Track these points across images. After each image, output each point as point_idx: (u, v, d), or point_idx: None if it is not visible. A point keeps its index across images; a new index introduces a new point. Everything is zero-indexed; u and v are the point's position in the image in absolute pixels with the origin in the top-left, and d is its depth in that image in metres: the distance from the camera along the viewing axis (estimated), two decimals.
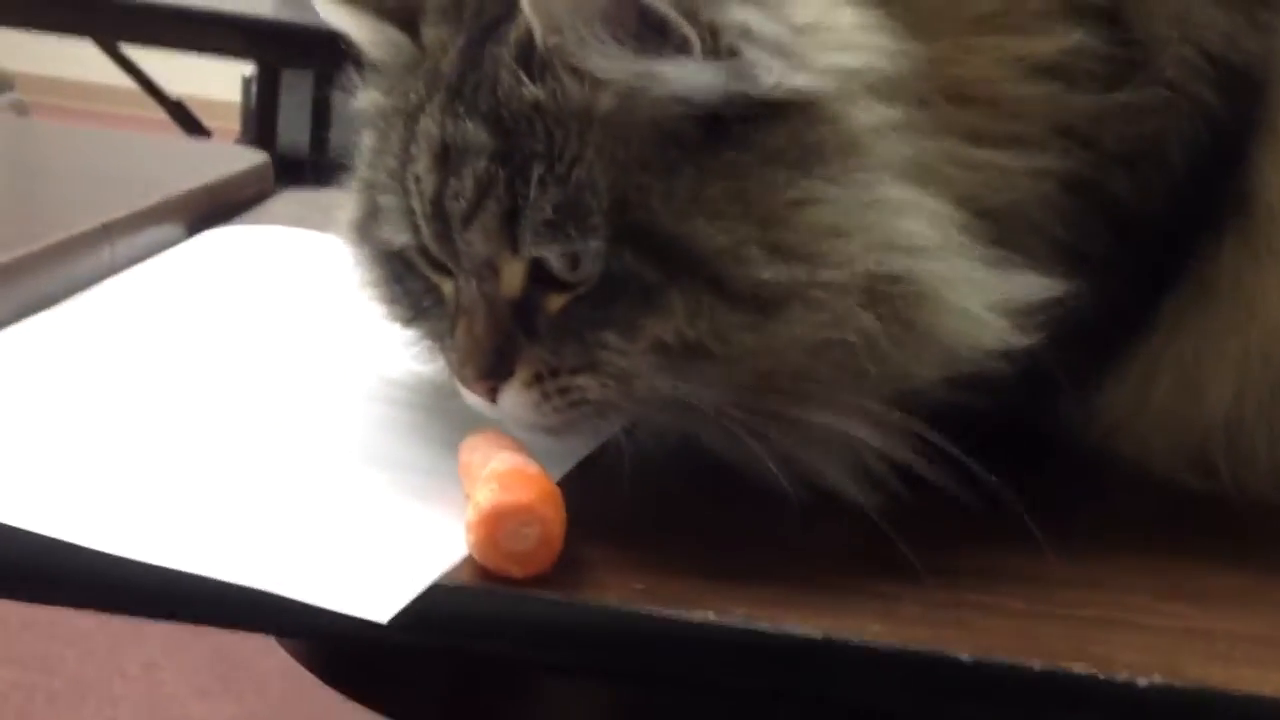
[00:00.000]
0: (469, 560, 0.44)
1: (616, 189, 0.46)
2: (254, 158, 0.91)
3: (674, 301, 0.46)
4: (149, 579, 0.42)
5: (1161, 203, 0.54)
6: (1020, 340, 0.49)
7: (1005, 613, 0.47)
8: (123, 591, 0.43)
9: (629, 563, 0.46)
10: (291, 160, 2.36)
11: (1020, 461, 0.56)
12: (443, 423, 0.55)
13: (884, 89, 0.48)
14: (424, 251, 0.50)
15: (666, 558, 0.47)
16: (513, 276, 0.48)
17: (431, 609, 0.42)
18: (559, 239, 0.46)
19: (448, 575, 0.43)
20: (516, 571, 0.43)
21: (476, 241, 0.48)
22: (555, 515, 0.44)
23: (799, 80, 0.46)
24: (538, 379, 0.48)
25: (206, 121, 3.07)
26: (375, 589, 0.42)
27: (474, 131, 0.47)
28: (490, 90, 0.47)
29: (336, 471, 0.50)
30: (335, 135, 2.54)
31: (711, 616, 0.43)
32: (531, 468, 0.46)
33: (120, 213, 0.71)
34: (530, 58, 0.47)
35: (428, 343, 0.54)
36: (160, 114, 3.09)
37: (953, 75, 0.50)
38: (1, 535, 0.42)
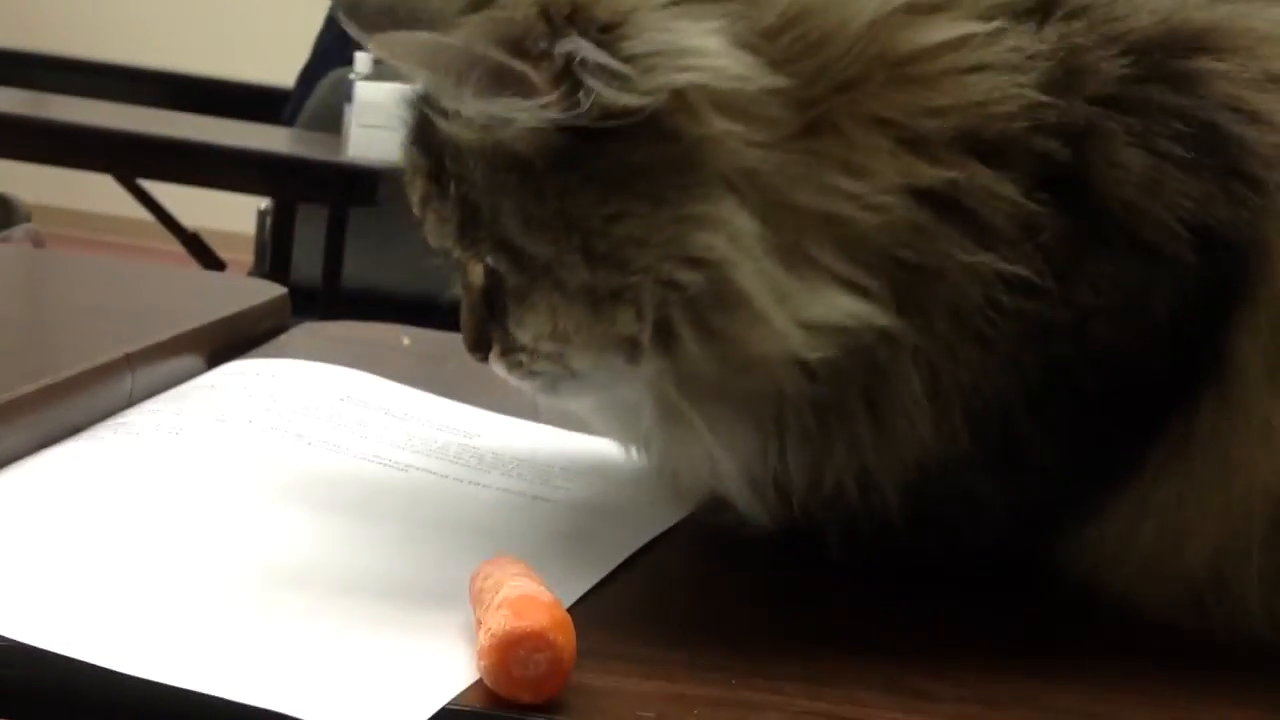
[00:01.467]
0: (479, 685, 0.45)
1: (487, 208, 0.55)
2: (271, 291, 0.93)
3: (538, 300, 0.55)
4: (166, 700, 0.42)
5: (1148, 352, 0.55)
6: (820, 353, 0.53)
7: None
8: (139, 712, 0.43)
9: (638, 691, 0.47)
10: (305, 292, 2.39)
11: (1007, 589, 0.57)
12: (454, 546, 0.56)
13: (732, 106, 0.52)
14: (444, 253, 0.59)
15: (675, 687, 0.47)
16: (475, 270, 0.57)
17: None
18: (468, 246, 0.56)
19: (458, 699, 0.44)
20: (527, 698, 0.44)
21: (432, 238, 0.58)
22: (566, 642, 0.45)
23: (624, 100, 0.51)
24: (504, 353, 0.58)
25: (221, 253, 3.11)
26: (386, 711, 0.42)
27: (417, 155, 0.58)
28: (426, 119, 0.57)
29: (350, 593, 0.51)
30: (348, 269, 2.58)
31: None
32: (544, 595, 0.47)
33: (140, 344, 0.72)
34: (429, 98, 0.56)
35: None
36: (176, 246, 3.14)
37: (854, 103, 0.53)
38: (24, 657, 0.43)
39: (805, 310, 0.53)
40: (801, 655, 0.51)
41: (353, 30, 0.57)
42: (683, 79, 0.51)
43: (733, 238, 0.52)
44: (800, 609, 0.57)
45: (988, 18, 0.54)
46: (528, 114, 0.51)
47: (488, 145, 0.53)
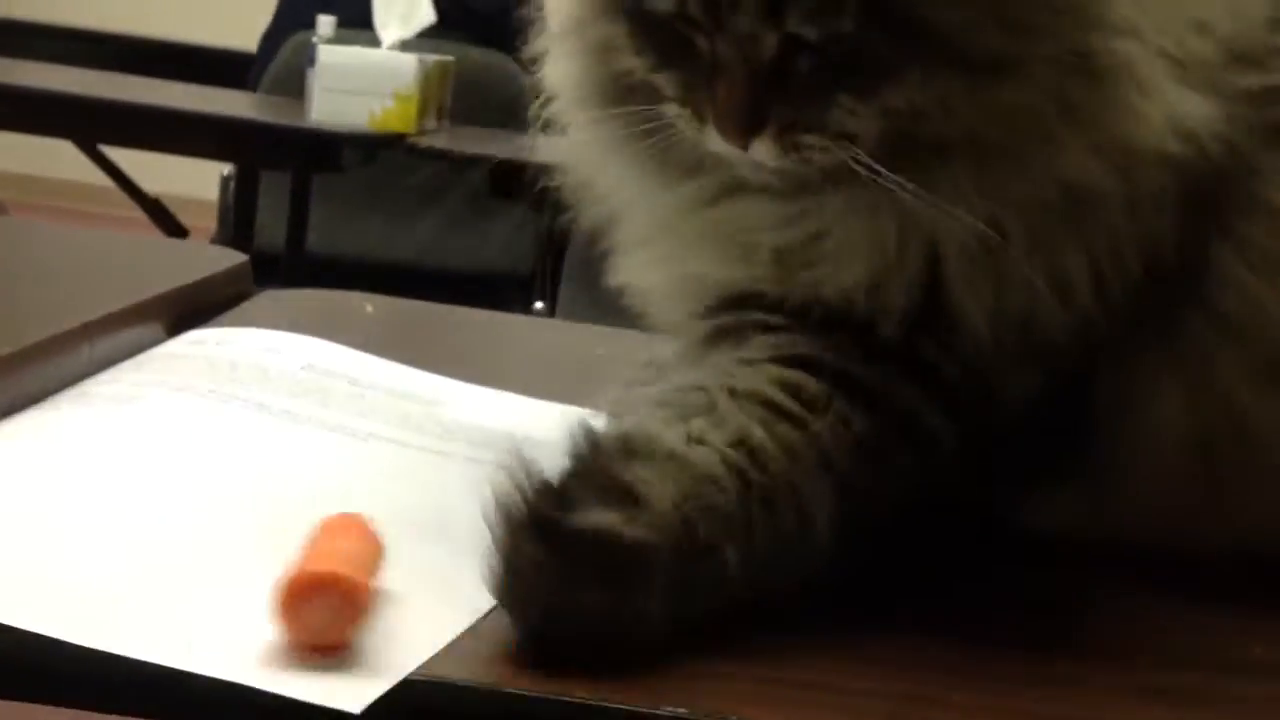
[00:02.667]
0: (447, 654, 0.45)
1: None
2: (233, 258, 0.92)
3: (910, 73, 0.53)
4: (118, 671, 0.42)
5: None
6: (1179, 151, 0.54)
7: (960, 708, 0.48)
8: (93, 685, 0.43)
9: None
10: (269, 258, 2.37)
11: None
12: (416, 516, 0.56)
13: None
14: (684, 17, 0.55)
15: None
16: (770, 43, 0.54)
17: (404, 702, 0.43)
18: (817, 22, 0.53)
19: (423, 669, 0.44)
20: (308, 638, 0.44)
21: (744, 20, 0.54)
22: (356, 590, 0.44)
23: None
24: (782, 133, 0.54)
25: (184, 219, 3.09)
26: (348, 681, 0.42)
27: None
28: None
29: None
30: (312, 236, 2.56)
31: (683, 712, 0.44)
32: (349, 548, 0.47)
33: (100, 313, 0.72)
34: None
35: (675, 89, 0.57)
36: (139, 212, 3.11)
37: None
38: None
39: (1179, 107, 0.54)
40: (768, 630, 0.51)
41: None
42: None
43: (1143, 9, 0.54)
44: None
45: None
46: None
47: None
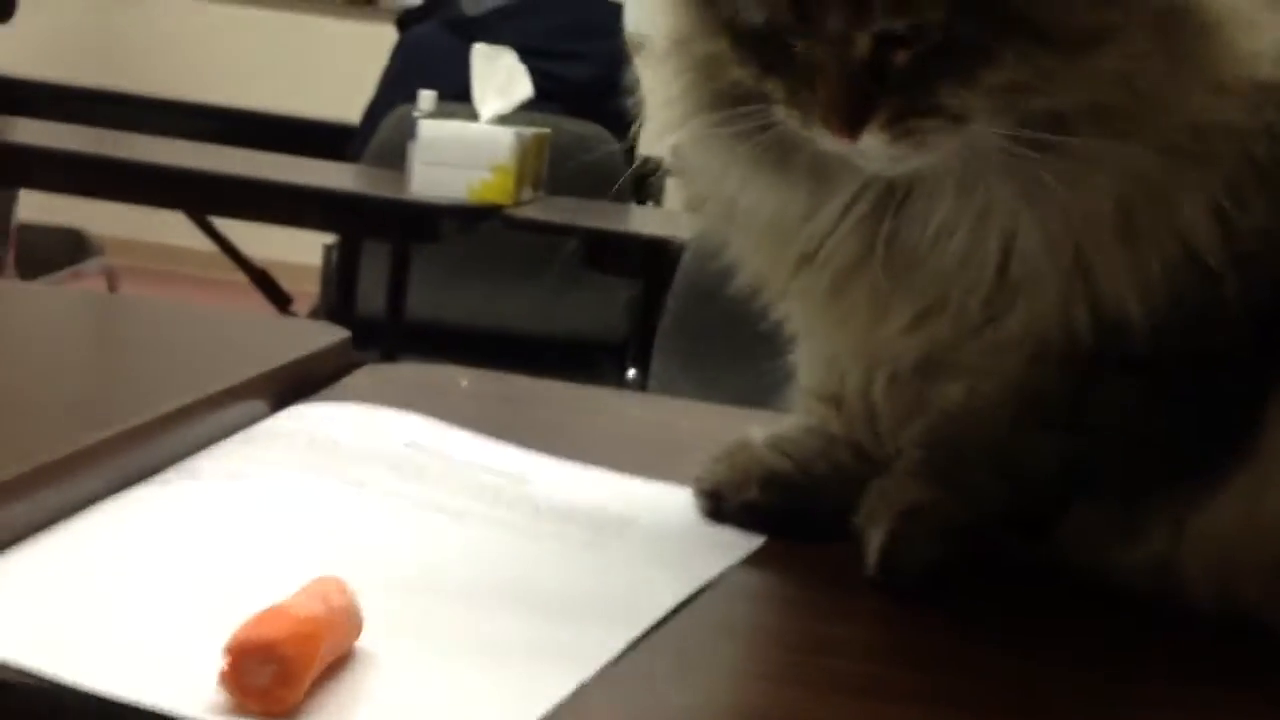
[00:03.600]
0: None
1: None
2: (334, 334, 0.95)
3: (1005, 54, 0.54)
4: None
5: None
6: (1268, 113, 0.56)
7: None
8: None
9: None
10: (370, 324, 2.42)
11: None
12: (505, 596, 0.58)
13: None
14: (778, 26, 0.58)
15: None
16: (864, 42, 0.56)
17: None
18: (906, 14, 0.55)
19: None
20: (255, 707, 0.45)
21: (833, 20, 0.56)
22: (298, 655, 0.46)
23: None
24: (890, 123, 0.56)
25: (287, 286, 3.17)
26: None
27: None
28: None
29: (405, 640, 0.52)
30: (412, 302, 2.61)
31: None
32: (303, 610, 0.48)
33: (209, 390, 0.75)
34: None
35: (781, 93, 0.59)
36: (244, 276, 3.20)
37: None
38: (85, 702, 0.45)
39: (1269, 39, 0.55)
40: (845, 709, 0.52)
41: None
42: None
43: None
44: (843, 660, 0.57)
45: None
46: None
47: None
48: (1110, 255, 0.57)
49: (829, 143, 0.58)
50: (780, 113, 0.59)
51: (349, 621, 0.50)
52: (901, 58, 0.56)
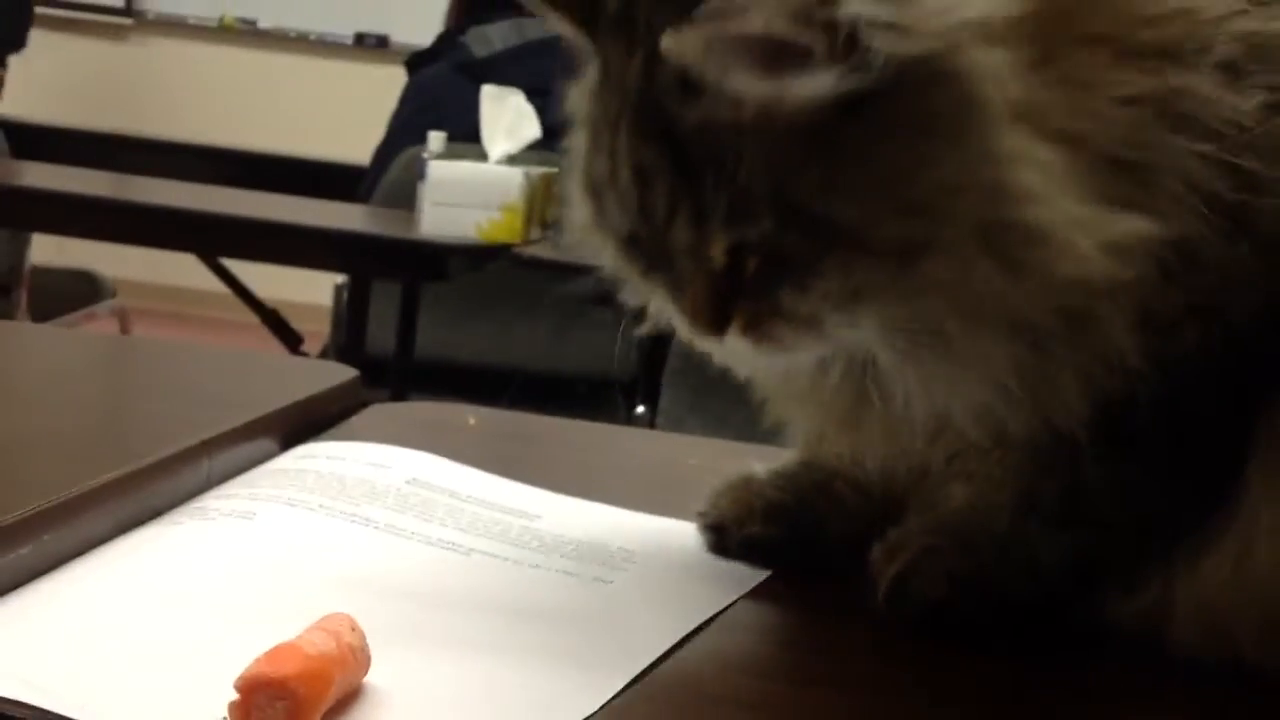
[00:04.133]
0: None
1: (770, 183, 0.54)
2: (343, 373, 0.96)
3: (831, 265, 0.55)
4: None
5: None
6: (1125, 274, 0.54)
7: None
8: None
9: None
10: (380, 363, 2.43)
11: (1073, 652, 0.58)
12: (512, 630, 0.58)
13: (994, 36, 0.53)
14: (636, 236, 0.59)
15: None
16: (716, 253, 0.57)
17: None
18: (737, 229, 0.55)
19: None
20: None
21: (677, 238, 0.57)
22: (309, 694, 0.46)
23: (911, 49, 0.51)
24: (748, 326, 0.57)
25: (298, 326, 3.18)
26: None
27: (656, 154, 0.56)
28: (663, 111, 0.56)
29: (408, 676, 0.53)
30: (421, 341, 2.62)
31: None
32: (314, 647, 0.48)
33: (218, 430, 0.75)
34: (689, 84, 0.54)
35: (662, 293, 0.61)
36: (255, 317, 3.21)
37: (1067, 24, 0.55)
38: None
39: (1103, 233, 0.54)
40: None
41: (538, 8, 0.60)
42: (958, 16, 0.52)
43: (1042, 170, 0.53)
44: (854, 692, 0.58)
45: None
46: (814, 86, 0.52)
47: (768, 121, 0.53)
48: (1033, 394, 0.58)
49: (702, 342, 0.60)
50: (668, 310, 0.61)
51: (358, 658, 0.51)
52: (752, 264, 0.56)
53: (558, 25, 0.61)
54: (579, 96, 0.62)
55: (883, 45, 0.51)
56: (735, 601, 0.64)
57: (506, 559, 0.67)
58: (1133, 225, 0.54)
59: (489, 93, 2.47)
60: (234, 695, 0.46)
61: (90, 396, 0.97)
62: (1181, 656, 0.59)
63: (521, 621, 0.60)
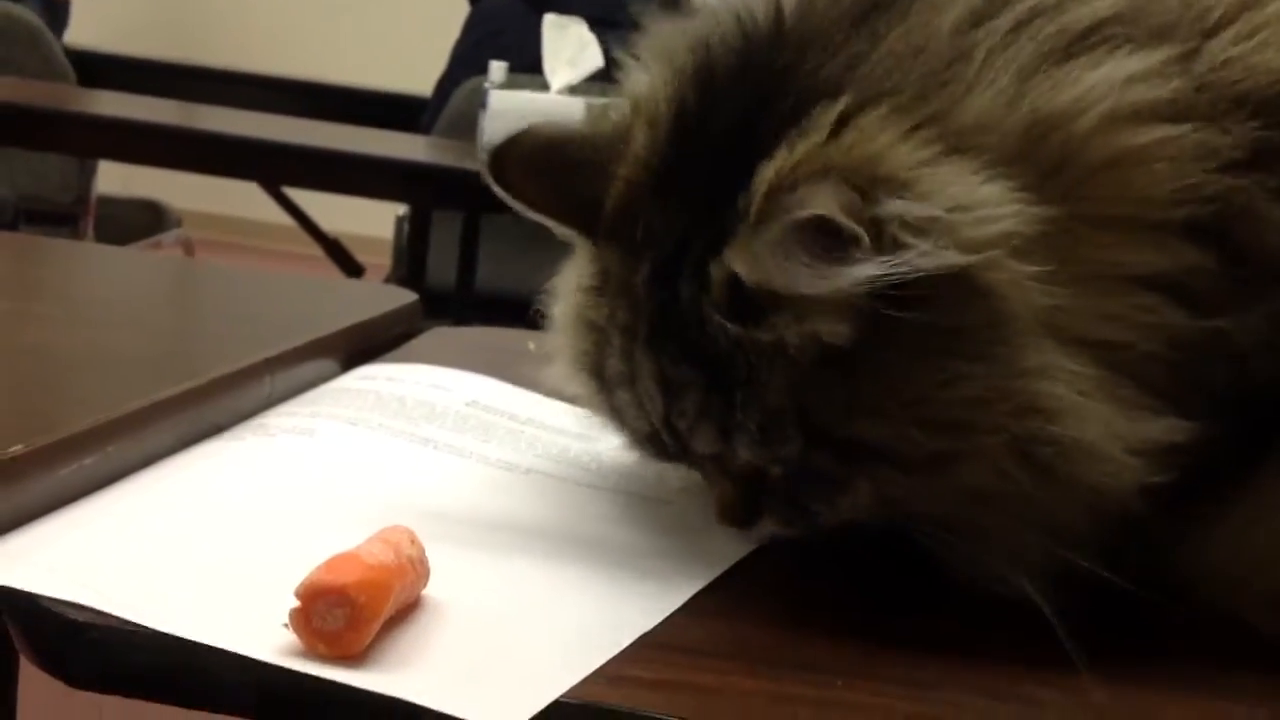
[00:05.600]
0: (590, 680, 0.46)
1: (793, 408, 0.54)
2: (403, 297, 0.96)
3: (860, 483, 0.55)
4: (283, 684, 0.45)
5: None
6: (1157, 478, 0.54)
7: None
8: (262, 695, 0.46)
9: (743, 690, 0.48)
10: (440, 296, 2.44)
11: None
12: (571, 546, 0.58)
13: (1022, 248, 0.52)
14: (658, 438, 0.59)
15: (780, 687, 0.49)
16: (740, 461, 0.57)
17: None
18: (764, 449, 0.55)
19: (570, 693, 0.46)
20: (324, 650, 0.46)
21: (701, 447, 0.57)
22: (369, 602, 0.46)
23: (952, 258, 0.51)
24: (780, 523, 0.58)
25: (360, 257, 3.19)
26: (502, 703, 0.44)
27: (688, 371, 0.56)
28: (697, 329, 0.55)
29: (467, 590, 0.53)
30: (482, 274, 2.62)
31: None
32: (373, 557, 0.48)
33: (279, 349, 0.76)
34: (736, 303, 0.54)
35: (690, 476, 0.62)
36: (318, 250, 3.23)
37: (1086, 215, 0.54)
38: (154, 642, 0.46)
39: (1137, 439, 0.53)
40: (908, 660, 0.52)
41: (506, 194, 0.61)
42: (993, 230, 0.51)
43: (1070, 383, 0.52)
44: (908, 615, 0.57)
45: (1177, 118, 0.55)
46: (865, 270, 0.50)
47: (797, 344, 0.53)
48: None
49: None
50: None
51: (417, 570, 0.51)
52: (776, 472, 0.57)
53: (555, 229, 0.62)
54: (561, 279, 0.64)
55: (926, 247, 0.50)
56: None
57: (566, 479, 0.67)
58: (1163, 429, 0.54)
59: (551, 22, 2.45)
60: (294, 603, 0.46)
61: (156, 317, 0.97)
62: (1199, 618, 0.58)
63: (581, 539, 0.60)
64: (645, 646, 0.50)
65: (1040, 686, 0.51)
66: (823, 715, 0.47)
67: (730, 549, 0.60)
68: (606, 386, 0.60)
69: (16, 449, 0.55)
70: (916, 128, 0.53)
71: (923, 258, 0.50)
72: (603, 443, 0.72)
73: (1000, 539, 0.55)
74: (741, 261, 0.52)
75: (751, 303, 0.53)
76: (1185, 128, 0.54)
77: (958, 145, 0.53)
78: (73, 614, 0.47)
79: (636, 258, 0.57)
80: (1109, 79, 0.55)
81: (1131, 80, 0.55)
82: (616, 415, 0.61)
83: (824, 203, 0.50)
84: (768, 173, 0.52)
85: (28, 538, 0.53)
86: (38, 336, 0.80)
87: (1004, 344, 0.52)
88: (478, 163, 2.57)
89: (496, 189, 0.61)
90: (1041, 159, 0.54)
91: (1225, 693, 0.53)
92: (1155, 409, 0.54)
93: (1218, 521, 0.58)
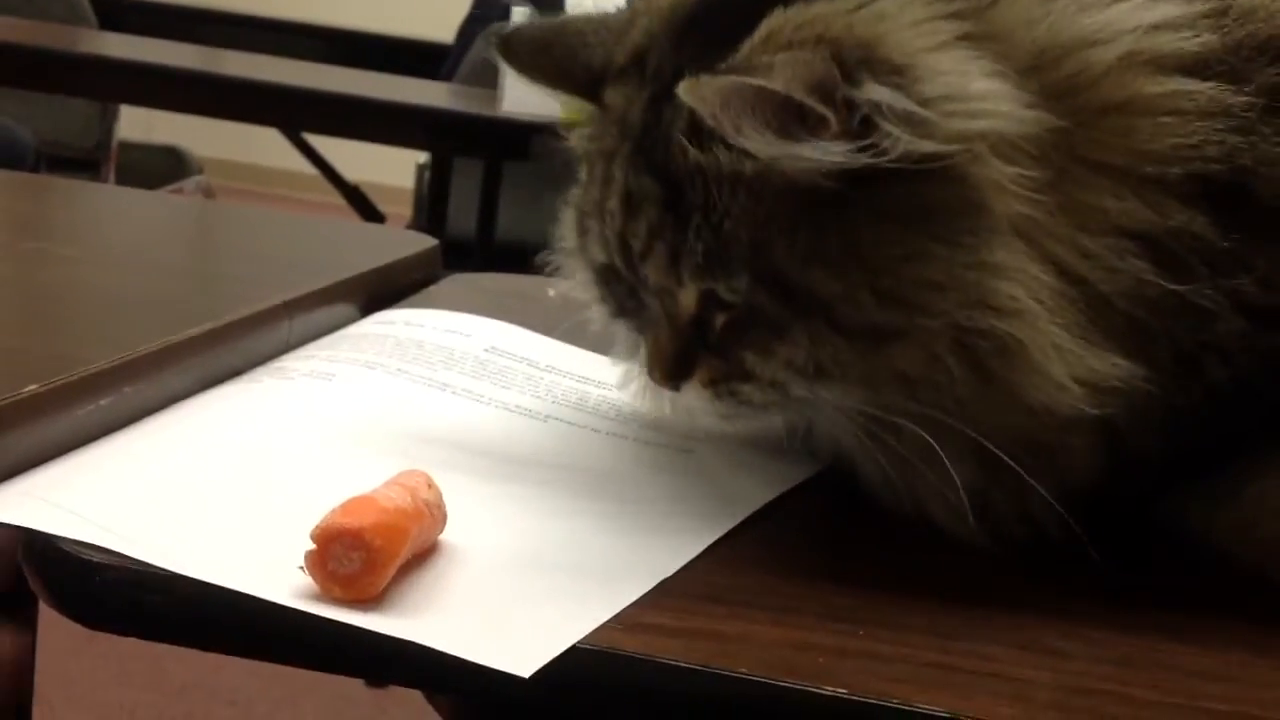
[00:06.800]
0: (607, 626, 0.46)
1: (754, 240, 0.54)
2: (423, 242, 0.96)
3: (799, 333, 0.54)
4: (299, 626, 0.45)
5: None
6: (1092, 412, 0.53)
7: (1137, 703, 0.47)
8: (274, 639, 0.46)
9: (766, 637, 0.48)
10: (461, 245, 2.43)
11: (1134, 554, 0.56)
12: (588, 493, 0.58)
13: (1009, 150, 0.52)
14: (613, 268, 0.60)
15: (803, 634, 0.48)
16: (687, 299, 0.57)
17: (573, 670, 0.44)
18: (709, 278, 0.55)
19: (586, 639, 0.45)
20: (339, 594, 0.45)
21: (651, 272, 0.57)
22: (385, 545, 0.46)
23: (926, 147, 0.51)
24: (711, 382, 0.57)
25: (381, 206, 3.19)
26: (519, 647, 0.44)
27: (649, 184, 0.56)
28: (664, 148, 0.56)
29: (484, 536, 0.53)
30: (502, 222, 2.62)
31: (843, 692, 0.45)
32: (390, 501, 0.48)
33: (298, 292, 0.75)
34: (696, 128, 0.54)
35: (625, 335, 0.63)
36: (338, 198, 3.22)
37: (1081, 150, 0.54)
38: (171, 583, 0.46)
39: (1082, 367, 0.53)
40: (931, 609, 0.52)
41: (513, 69, 0.62)
42: (979, 125, 0.51)
43: (1029, 288, 0.52)
44: (932, 564, 0.57)
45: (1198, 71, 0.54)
46: (823, 155, 0.51)
47: (765, 179, 0.53)
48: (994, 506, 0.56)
49: (662, 392, 0.60)
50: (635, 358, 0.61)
51: (434, 514, 0.50)
52: (720, 320, 0.56)
53: (559, 99, 0.63)
54: (578, 138, 0.63)
55: (899, 135, 0.50)
56: (819, 471, 0.63)
57: (584, 426, 0.67)
58: (1115, 365, 0.53)
59: None
60: (310, 546, 0.46)
61: (177, 258, 0.97)
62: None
63: (599, 486, 0.60)
64: (664, 593, 0.49)
65: (1062, 638, 0.50)
66: (844, 664, 0.46)
67: (752, 496, 0.59)
68: (581, 220, 0.61)
69: (33, 388, 0.55)
70: (938, 18, 0.53)
71: (895, 145, 0.50)
72: (623, 391, 0.72)
73: (921, 455, 0.54)
74: (692, 95, 0.52)
75: (712, 132, 0.54)
76: (1204, 85, 0.54)
77: (974, 42, 0.53)
78: (89, 555, 0.46)
79: (639, 91, 0.58)
80: (1136, 20, 0.54)
81: (1159, 27, 0.54)
82: (583, 254, 0.62)
83: (791, 76, 0.50)
84: (771, 23, 0.53)
85: (44, 478, 0.52)
86: (57, 277, 0.79)
87: (972, 234, 0.52)
88: (498, 110, 2.57)
89: (505, 64, 0.64)
90: (1049, 82, 0.53)
91: (1246, 645, 0.53)
92: (1104, 345, 0.53)
93: (1242, 484, 0.57)
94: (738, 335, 0.56)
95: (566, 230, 0.65)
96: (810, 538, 0.59)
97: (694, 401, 0.58)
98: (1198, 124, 0.53)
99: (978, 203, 0.52)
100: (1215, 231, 0.54)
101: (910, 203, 0.52)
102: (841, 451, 0.60)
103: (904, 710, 0.44)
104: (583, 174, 0.63)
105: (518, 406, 0.68)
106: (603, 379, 0.73)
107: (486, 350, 0.74)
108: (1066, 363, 0.52)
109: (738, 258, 0.54)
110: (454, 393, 0.68)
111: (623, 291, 0.60)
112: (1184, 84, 0.54)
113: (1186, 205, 0.54)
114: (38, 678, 1.00)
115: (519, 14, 2.49)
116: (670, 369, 0.58)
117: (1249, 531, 0.58)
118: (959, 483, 0.54)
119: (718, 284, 0.55)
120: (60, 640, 0.80)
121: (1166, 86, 0.54)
